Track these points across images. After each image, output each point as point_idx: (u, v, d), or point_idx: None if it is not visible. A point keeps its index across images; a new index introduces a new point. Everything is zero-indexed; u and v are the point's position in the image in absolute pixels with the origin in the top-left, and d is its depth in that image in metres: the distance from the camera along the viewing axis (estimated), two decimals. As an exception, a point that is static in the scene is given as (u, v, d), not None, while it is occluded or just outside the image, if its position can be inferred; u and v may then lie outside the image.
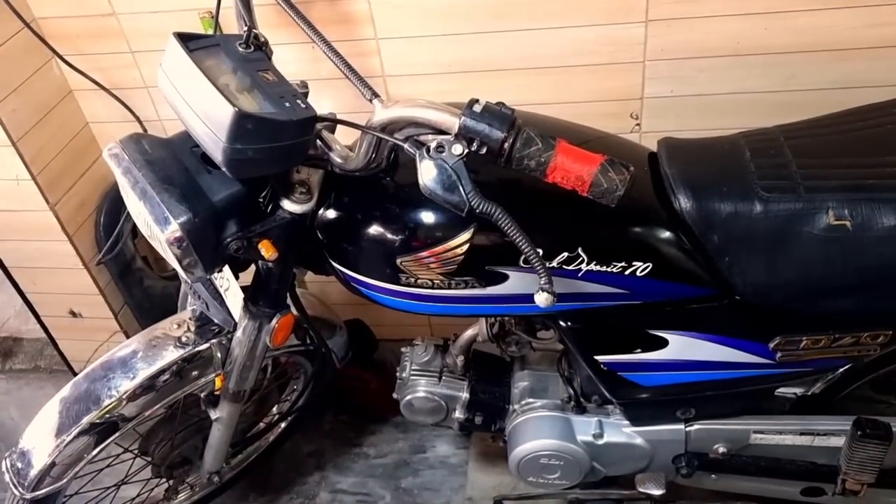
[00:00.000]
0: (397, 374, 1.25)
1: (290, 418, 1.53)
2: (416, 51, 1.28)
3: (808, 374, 1.02)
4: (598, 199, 0.75)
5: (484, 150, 0.74)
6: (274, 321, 1.01)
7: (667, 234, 0.94)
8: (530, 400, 1.21)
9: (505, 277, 0.92)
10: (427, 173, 0.75)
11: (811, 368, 1.01)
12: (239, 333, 1.05)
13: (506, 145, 0.73)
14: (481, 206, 0.74)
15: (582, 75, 1.29)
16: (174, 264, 0.86)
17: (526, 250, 0.75)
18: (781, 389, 1.15)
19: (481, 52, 1.27)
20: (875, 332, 0.95)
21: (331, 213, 0.95)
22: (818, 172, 0.91)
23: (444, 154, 0.74)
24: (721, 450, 1.15)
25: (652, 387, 1.05)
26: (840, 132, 0.97)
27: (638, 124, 1.33)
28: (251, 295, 1.01)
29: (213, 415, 1.19)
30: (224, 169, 0.80)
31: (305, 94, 0.91)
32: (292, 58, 1.30)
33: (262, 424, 1.53)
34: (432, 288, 0.94)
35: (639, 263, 0.93)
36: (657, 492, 1.15)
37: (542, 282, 0.75)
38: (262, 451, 1.56)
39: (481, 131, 0.73)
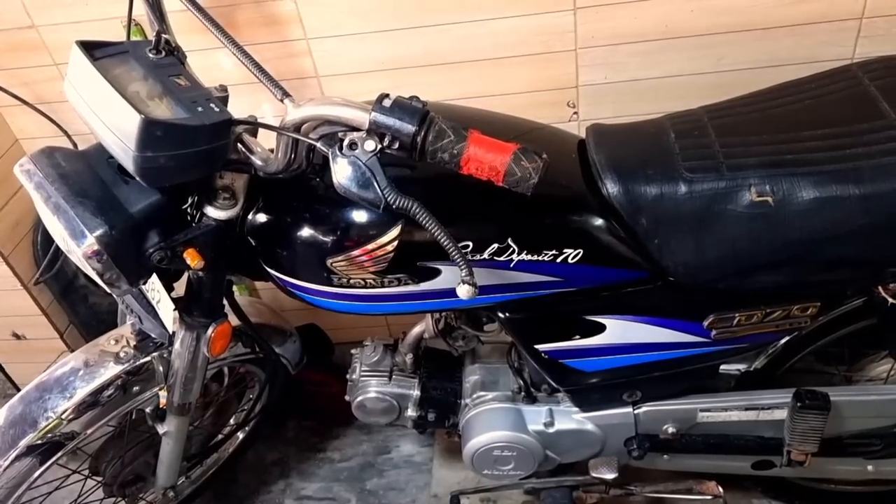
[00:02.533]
0: (347, 376, 1.24)
1: (247, 428, 1.51)
2: (348, 49, 1.27)
3: (745, 349, 1.04)
4: (513, 188, 0.75)
5: (397, 146, 0.74)
6: (210, 330, 1.00)
7: (596, 220, 0.94)
8: (481, 393, 1.21)
9: (437, 272, 0.92)
10: (340, 171, 0.74)
11: (747, 344, 1.02)
12: (177, 345, 1.04)
13: (418, 139, 0.73)
14: (397, 202, 0.74)
15: (516, 66, 1.29)
16: (96, 279, 0.84)
17: (445, 243, 0.75)
18: (725, 367, 1.17)
19: (415, 47, 1.27)
20: (804, 304, 0.97)
21: (260, 218, 0.94)
22: (740, 150, 0.92)
23: (356, 151, 0.74)
24: (670, 430, 1.16)
25: (594, 372, 1.06)
26: (761, 110, 0.98)
27: (576, 112, 1.34)
28: (185, 305, 0.99)
29: (161, 429, 1.17)
30: (137, 178, 0.78)
31: (224, 98, 0.90)
32: (232, 61, 1.28)
33: (220, 435, 1.51)
34: (366, 287, 0.93)
35: (570, 251, 0.93)
36: (610, 475, 1.16)
37: (463, 274, 0.75)
38: (222, 463, 1.54)
39: (392, 126, 0.73)
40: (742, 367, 1.16)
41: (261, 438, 1.69)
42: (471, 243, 0.90)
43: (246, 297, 1.49)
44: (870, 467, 1.23)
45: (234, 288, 1.57)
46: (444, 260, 0.91)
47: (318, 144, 0.76)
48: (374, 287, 0.93)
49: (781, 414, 1.12)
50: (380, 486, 1.60)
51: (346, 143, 0.74)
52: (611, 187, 0.94)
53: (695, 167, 0.92)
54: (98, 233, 0.79)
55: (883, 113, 0.91)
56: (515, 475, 1.21)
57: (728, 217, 0.90)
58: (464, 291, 0.75)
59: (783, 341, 1.12)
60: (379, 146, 0.74)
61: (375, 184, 0.74)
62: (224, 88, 0.91)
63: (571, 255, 0.93)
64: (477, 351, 1.26)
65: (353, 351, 1.27)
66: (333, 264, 0.91)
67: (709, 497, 1.17)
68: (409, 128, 0.73)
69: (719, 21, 1.23)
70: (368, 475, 1.62)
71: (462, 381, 1.24)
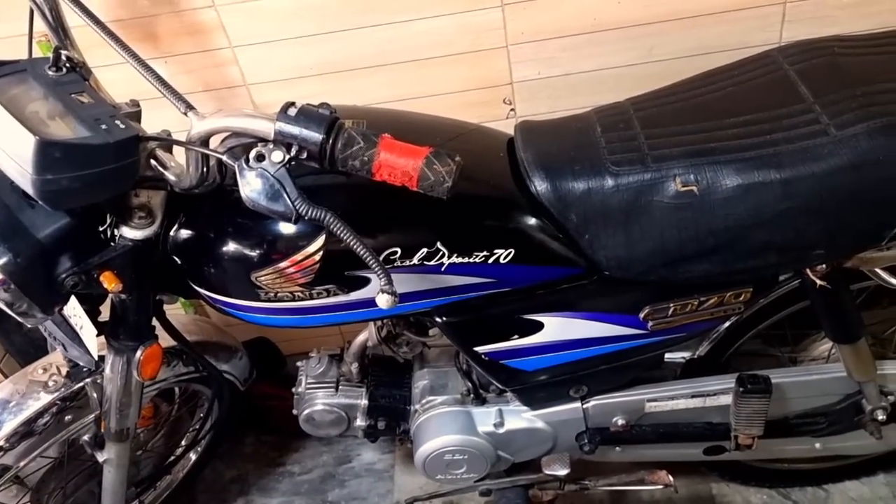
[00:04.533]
0: (293, 389, 1.22)
1: (199, 448, 1.48)
2: (274, 56, 1.24)
3: (684, 338, 1.04)
4: (428, 192, 0.73)
5: (305, 155, 0.72)
6: (139, 354, 0.97)
7: (526, 219, 0.93)
8: (430, 398, 1.19)
9: (366, 281, 0.90)
10: (248, 184, 0.72)
11: (684, 333, 1.03)
12: (107, 371, 1.00)
13: (326, 147, 0.71)
14: (309, 213, 0.72)
15: (448, 65, 1.28)
16: (6, 310, 0.81)
17: (361, 253, 0.73)
18: (669, 356, 1.17)
19: (342, 51, 1.25)
20: (737, 290, 0.98)
21: (182, 234, 0.91)
22: (664, 141, 0.92)
23: (264, 163, 0.72)
24: (620, 422, 1.16)
25: (536, 370, 1.05)
26: (685, 99, 0.98)
27: (512, 109, 1.33)
28: (110, 329, 0.96)
29: (101, 457, 1.13)
30: (40, 202, 0.75)
31: (136, 114, 0.87)
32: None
33: (173, 457, 1.48)
34: (294, 300, 0.91)
35: (501, 251, 0.92)
36: (563, 472, 1.16)
37: (382, 283, 0.73)
38: (176, 485, 1.50)
39: (298, 135, 0.71)
40: (686, 355, 1.17)
41: (218, 456, 1.66)
42: (399, 249, 0.88)
43: (190, 315, 1.45)
44: (818, 445, 1.24)
45: (179, 306, 1.54)
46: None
47: (224, 157, 0.74)
48: (303, 300, 0.91)
49: (727, 399, 1.13)
50: (341, 496, 1.58)
51: (252, 155, 0.72)
52: (539, 185, 0.93)
53: (620, 160, 0.92)
54: (2, 261, 0.76)
55: (802, 97, 0.91)
56: (469, 478, 1.20)
57: (655, 209, 0.90)
58: (383, 301, 0.73)
59: (724, 327, 1.13)
60: (286, 157, 0.72)
61: (285, 196, 0.72)
62: (136, 103, 0.88)
63: (503, 255, 0.92)
64: (425, 355, 1.25)
65: (298, 364, 1.25)
66: (259, 279, 0.89)
67: (660, 486, 1.17)
68: (315, 136, 0.71)
69: (648, 12, 1.23)
70: (330, 486, 1.60)
71: (411, 386, 1.23)
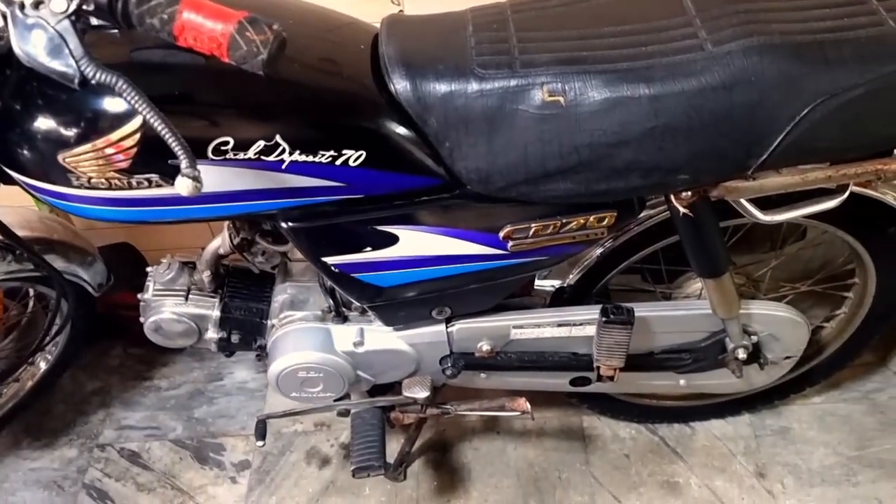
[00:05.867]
0: (139, 296, 1.13)
1: (49, 356, 1.38)
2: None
3: (546, 262, 1.00)
4: (241, 64, 0.64)
5: (93, 6, 0.61)
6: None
7: (381, 119, 0.85)
8: (289, 313, 1.13)
9: (195, 172, 0.81)
10: (22, 37, 0.61)
11: (546, 257, 0.98)
12: None
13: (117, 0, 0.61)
14: (98, 76, 0.62)
15: (333, -47, 1.15)
16: None
17: (156, 125, 0.64)
18: (538, 283, 1.14)
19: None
20: (600, 214, 0.93)
21: (-16, 106, 0.79)
22: (536, 46, 0.85)
23: (42, 11, 0.61)
24: (485, 348, 1.13)
25: (392, 287, 0.99)
26: (567, 4, 0.91)
27: (401, 10, 1.23)
28: None
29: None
30: None
31: None
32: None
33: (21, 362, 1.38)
34: (111, 189, 0.81)
35: (350, 152, 0.84)
36: (423, 394, 1.12)
37: (183, 165, 0.65)
38: (25, 394, 1.41)
39: (82, -19, 0.60)
40: (556, 283, 1.13)
41: (80, 368, 1.57)
42: (231, 139, 0.79)
43: (39, 212, 1.32)
44: (682, 382, 1.25)
45: (33, 203, 1.41)
46: (200, 157, 0.79)
47: (-5, 2, 0.62)
48: (120, 189, 0.81)
49: (592, 330, 1.10)
50: (209, 413, 1.52)
51: (29, 1, 0.61)
52: (398, 83, 0.84)
53: (487, 63, 0.84)
54: None
55: (685, 9, 0.85)
56: (326, 397, 1.15)
57: (520, 118, 0.84)
58: (183, 186, 0.65)
59: (594, 256, 1.09)
60: (72, 6, 0.61)
61: (68, 53, 0.61)
62: None
63: (353, 157, 0.84)
64: (289, 269, 1.17)
65: (148, 269, 1.15)
66: (67, 160, 0.78)
67: (518, 413, 1.16)
68: (105, -17, 0.60)
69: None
70: (197, 403, 1.54)
71: (271, 300, 1.15)
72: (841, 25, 0.80)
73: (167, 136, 0.64)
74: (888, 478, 1.37)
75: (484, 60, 0.84)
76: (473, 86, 0.84)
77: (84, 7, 0.61)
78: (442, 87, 0.84)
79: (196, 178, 0.65)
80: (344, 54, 0.88)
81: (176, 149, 0.64)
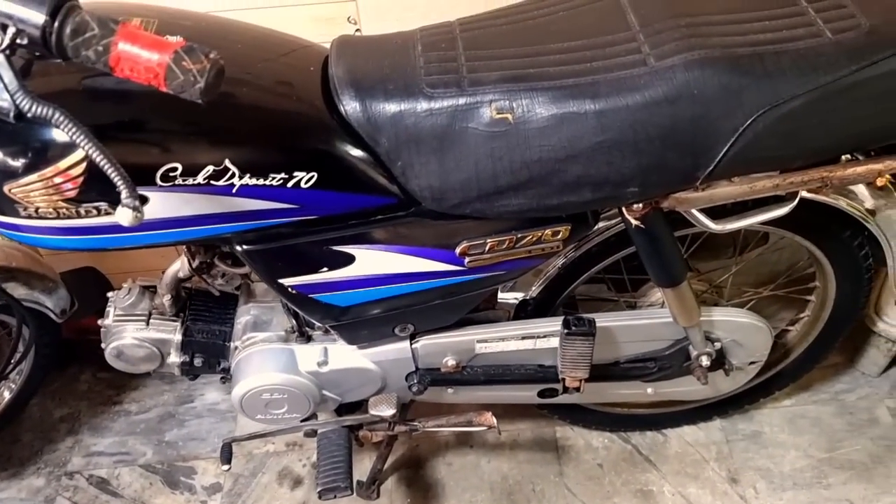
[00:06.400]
0: (99, 322, 1.12)
1: (13, 384, 1.36)
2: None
3: (504, 277, 1.00)
4: (179, 93, 0.64)
5: (27, 41, 0.61)
6: None
7: (331, 141, 0.85)
8: (252, 334, 1.12)
9: (144, 200, 0.80)
10: (-52, 71, 0.61)
11: (503, 271, 0.98)
12: None
13: (49, 32, 0.60)
14: (33, 108, 0.62)
15: (288, -26, 1.16)
16: None
17: (95, 155, 0.63)
18: (502, 296, 1.14)
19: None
20: (555, 227, 0.94)
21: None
22: (483, 65, 0.86)
23: (-27, 46, 0.61)
24: (450, 363, 1.13)
25: (352, 306, 0.99)
26: (514, 22, 0.92)
27: (358, 30, 1.23)
28: None
29: None
30: None
31: None
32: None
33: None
34: (59, 218, 0.81)
35: (301, 174, 0.84)
36: (389, 412, 1.12)
37: (123, 195, 0.64)
38: (-10, 424, 1.39)
39: (14, 15, 0.60)
40: (519, 296, 1.14)
41: (48, 394, 1.55)
42: (179, 166, 0.79)
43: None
44: (649, 390, 1.26)
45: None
46: (150, 184, 0.79)
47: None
48: (69, 218, 0.80)
49: (557, 342, 1.11)
50: (179, 436, 1.50)
51: (-41, 35, 0.61)
52: (348, 104, 0.85)
53: (436, 82, 0.85)
54: None
55: (629, 25, 0.87)
56: (292, 418, 1.15)
57: (470, 136, 0.84)
58: (123, 216, 0.64)
59: (556, 269, 1.10)
60: (5, 41, 0.61)
61: (3, 87, 0.61)
62: None
63: (304, 178, 0.84)
64: (252, 290, 1.17)
65: (109, 294, 1.14)
66: (13, 191, 0.77)
67: (485, 427, 1.16)
68: (37, 17, 0.60)
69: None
70: (168, 426, 1.52)
71: (234, 322, 1.15)
72: (780, 37, 0.82)
73: (105, 167, 0.64)
74: (858, 479, 1.39)
75: (433, 80, 0.85)
76: (423, 105, 0.84)
77: (18, 41, 0.61)
78: (391, 107, 0.85)
79: (136, 209, 0.64)
80: (294, 77, 0.88)
81: (115, 179, 0.64)
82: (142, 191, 0.80)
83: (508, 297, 1.13)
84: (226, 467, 1.16)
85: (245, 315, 1.14)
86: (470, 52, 0.88)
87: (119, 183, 0.64)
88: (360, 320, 1.03)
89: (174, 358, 1.13)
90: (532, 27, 0.90)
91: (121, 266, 1.47)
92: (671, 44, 0.82)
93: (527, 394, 1.22)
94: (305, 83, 0.87)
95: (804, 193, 1.00)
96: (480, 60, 0.86)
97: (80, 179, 0.77)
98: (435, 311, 1.04)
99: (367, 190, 0.89)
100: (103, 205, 0.80)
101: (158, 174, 0.79)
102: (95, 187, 0.78)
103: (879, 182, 0.99)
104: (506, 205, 0.88)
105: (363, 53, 0.90)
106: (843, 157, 0.93)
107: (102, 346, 1.13)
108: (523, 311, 1.15)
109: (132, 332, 1.10)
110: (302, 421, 1.17)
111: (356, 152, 0.86)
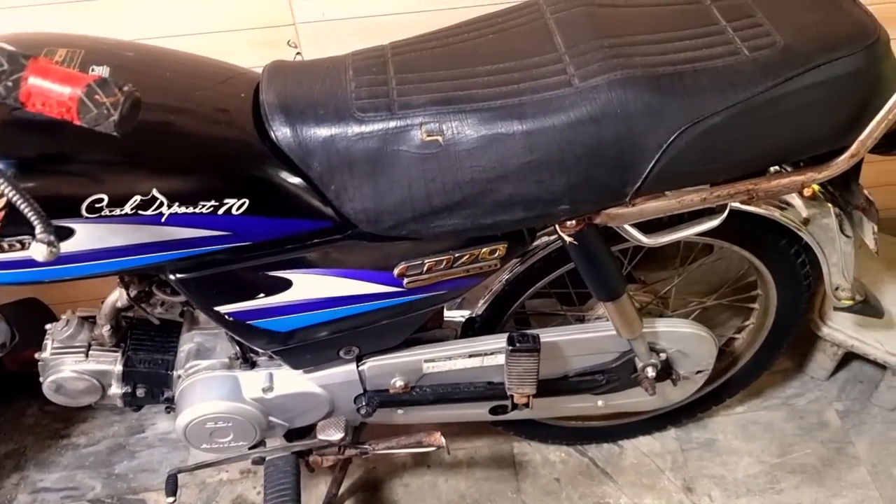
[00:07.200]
0: (36, 356, 1.09)
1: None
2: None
3: (445, 297, 1.00)
4: (94, 127, 0.63)
5: (-70, 77, 0.60)
6: None
7: (262, 167, 0.85)
8: (195, 362, 1.10)
9: (70, 232, 0.79)
10: None
11: (444, 291, 0.99)
12: None
13: (-45, 68, 0.60)
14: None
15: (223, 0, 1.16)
16: None
17: (6, 191, 0.62)
18: (448, 314, 1.15)
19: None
20: (491, 246, 0.95)
21: None
22: (413, 88, 0.86)
23: None
24: (399, 383, 1.12)
25: (292, 331, 0.98)
26: (444, 45, 0.93)
27: (299, 53, 1.23)
28: None
29: None
30: None
31: None
32: None
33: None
34: (-22, 253, 0.79)
35: (232, 201, 0.84)
36: (337, 436, 1.11)
37: (38, 230, 0.63)
38: (-71, 463, 1.34)
39: (-86, 52, 0.59)
40: (465, 313, 1.14)
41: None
42: (106, 197, 0.78)
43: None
44: (600, 402, 1.27)
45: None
46: (75, 216, 0.78)
47: None
48: (-6, 252, 0.79)
49: (503, 358, 1.11)
50: (130, 468, 1.47)
51: None
52: (278, 130, 0.85)
53: (366, 106, 0.85)
54: None
55: (555, 46, 0.88)
56: (239, 446, 1.13)
57: (402, 159, 0.85)
58: (38, 251, 0.63)
59: (499, 286, 1.11)
60: None
61: None
62: None
63: (235, 205, 0.84)
64: (195, 317, 1.15)
65: (47, 327, 1.12)
66: (-72, 228, 0.76)
67: (434, 447, 1.15)
68: (-61, 53, 0.59)
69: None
70: (118, 458, 1.48)
71: (177, 350, 1.13)
72: (699, 56, 0.84)
73: (17, 201, 0.63)
74: (809, 483, 1.41)
75: (363, 104, 0.86)
76: (354, 129, 0.85)
77: (-78, 78, 0.60)
78: (322, 132, 0.85)
79: (50, 243, 0.63)
80: (224, 103, 0.88)
81: (28, 214, 0.63)
82: (68, 223, 0.79)
83: (455, 315, 1.14)
84: (170, 500, 1.13)
85: (188, 343, 1.12)
86: (400, 75, 0.88)
87: (32, 218, 0.63)
88: (303, 344, 1.02)
89: (115, 389, 1.10)
90: (462, 50, 0.91)
91: (66, 296, 1.44)
92: (595, 65, 0.84)
93: (478, 411, 1.22)
94: (236, 110, 0.87)
95: (739, 205, 1.02)
96: (410, 84, 0.87)
97: (1, 214, 0.76)
98: (379, 333, 1.04)
99: (302, 214, 0.88)
100: (27, 238, 0.79)
101: (84, 205, 0.78)
102: (16, 221, 0.76)
103: (807, 192, 1.03)
104: (441, 225, 0.89)
105: (294, 79, 0.90)
106: (772, 169, 0.96)
107: (41, 379, 1.10)
108: (471, 329, 1.16)
109: (71, 365, 1.08)
110: (249, 448, 1.15)
111: (288, 177, 0.86)
